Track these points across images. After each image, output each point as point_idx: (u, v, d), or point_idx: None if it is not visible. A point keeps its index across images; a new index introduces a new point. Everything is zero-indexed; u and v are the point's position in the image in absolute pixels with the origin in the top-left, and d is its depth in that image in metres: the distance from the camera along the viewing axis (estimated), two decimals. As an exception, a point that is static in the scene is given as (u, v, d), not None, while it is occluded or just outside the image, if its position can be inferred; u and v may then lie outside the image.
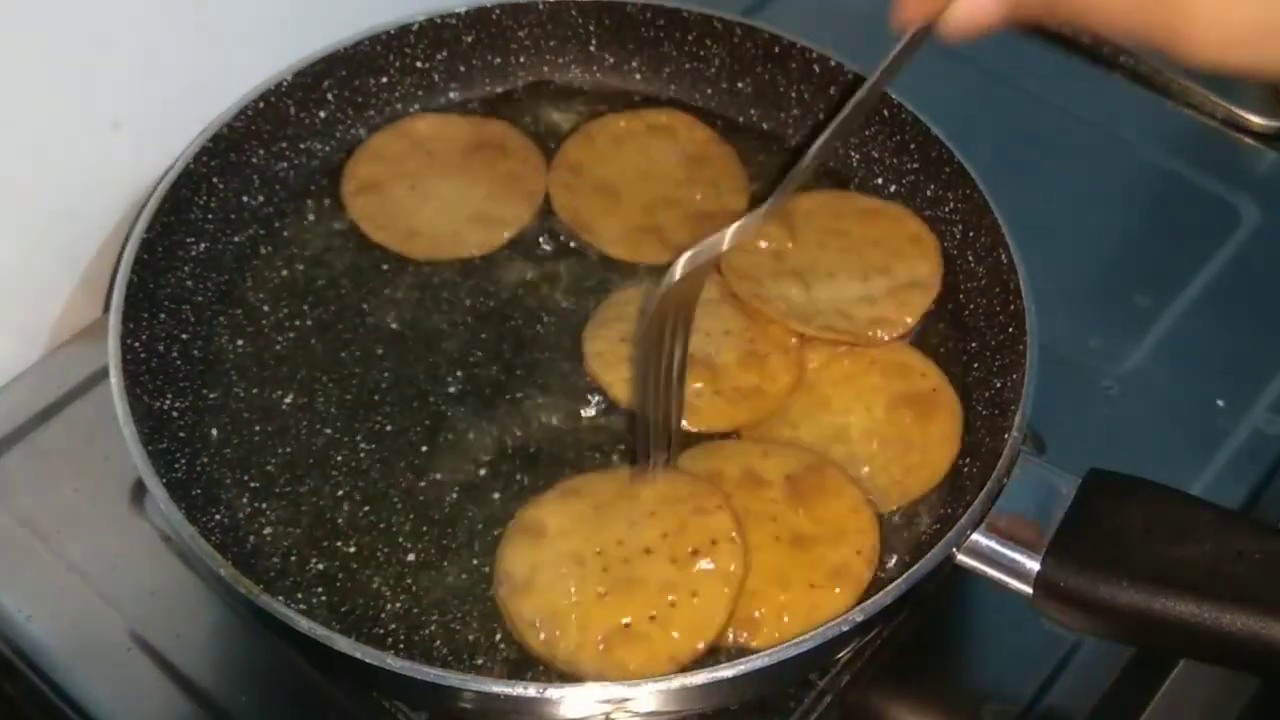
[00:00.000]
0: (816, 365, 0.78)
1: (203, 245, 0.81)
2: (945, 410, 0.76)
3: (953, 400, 0.76)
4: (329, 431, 0.76)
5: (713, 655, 0.67)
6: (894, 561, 0.71)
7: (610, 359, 0.78)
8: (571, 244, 0.85)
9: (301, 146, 0.87)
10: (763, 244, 0.82)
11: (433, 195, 0.85)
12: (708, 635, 0.66)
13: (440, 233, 0.84)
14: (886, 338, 0.78)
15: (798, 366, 0.78)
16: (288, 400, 0.77)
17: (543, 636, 0.66)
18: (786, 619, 0.68)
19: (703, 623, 0.67)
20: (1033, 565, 0.64)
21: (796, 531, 0.70)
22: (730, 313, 0.80)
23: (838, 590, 0.69)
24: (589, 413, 0.77)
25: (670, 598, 0.67)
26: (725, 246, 0.65)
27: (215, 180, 0.82)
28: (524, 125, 0.90)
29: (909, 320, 0.79)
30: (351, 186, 0.86)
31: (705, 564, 0.68)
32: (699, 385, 0.76)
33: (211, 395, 0.77)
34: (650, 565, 0.68)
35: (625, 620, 0.67)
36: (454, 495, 0.73)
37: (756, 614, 0.68)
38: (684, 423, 0.73)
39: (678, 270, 0.64)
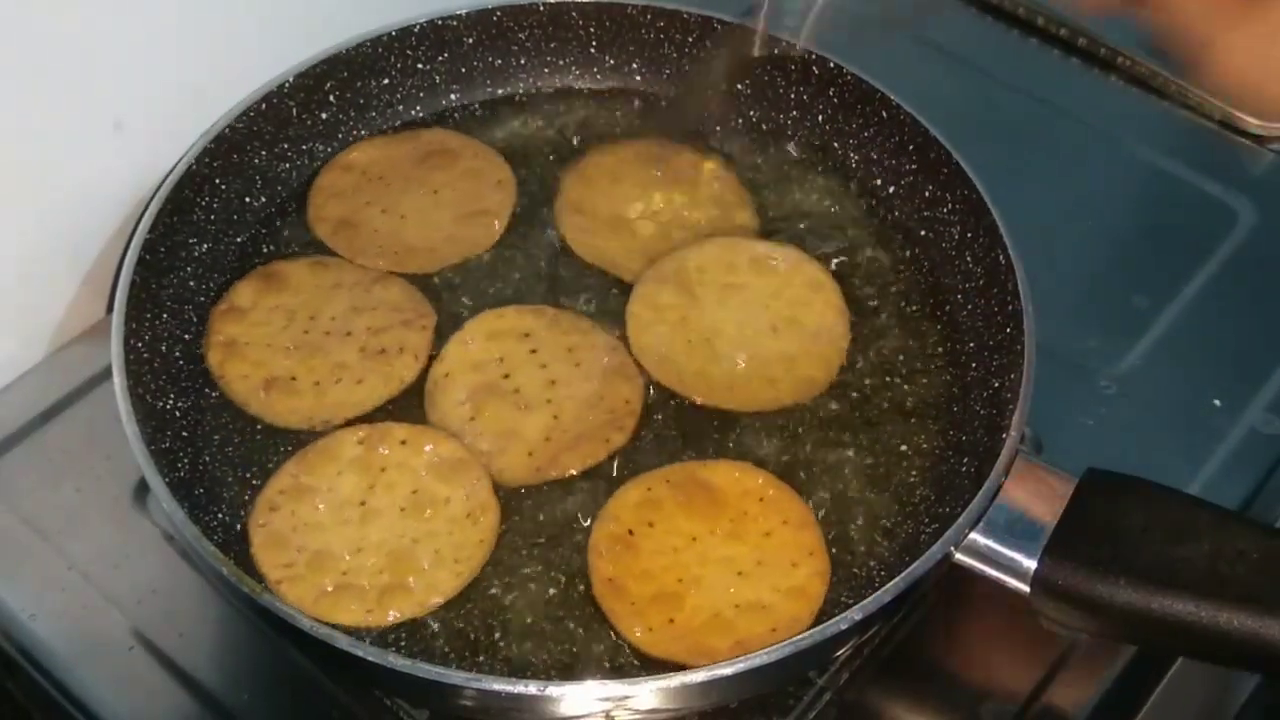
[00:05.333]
0: None
1: (205, 246, 0.82)
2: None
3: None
4: (331, 431, 0.76)
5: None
6: (892, 561, 0.72)
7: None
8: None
9: (304, 147, 0.87)
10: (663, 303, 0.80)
11: (409, 212, 0.84)
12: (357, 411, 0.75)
13: (434, 242, 0.83)
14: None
15: None
16: (289, 400, 0.77)
17: (219, 357, 0.76)
18: None
19: (357, 400, 0.75)
20: (1030, 564, 0.65)
21: None
22: None
23: None
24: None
25: (337, 377, 0.76)
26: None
27: (218, 181, 0.82)
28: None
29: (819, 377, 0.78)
30: (326, 229, 0.83)
31: (385, 359, 0.76)
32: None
33: (214, 395, 0.77)
34: (340, 344, 0.77)
35: (293, 376, 0.75)
36: (455, 494, 0.74)
37: None
38: None
39: None
